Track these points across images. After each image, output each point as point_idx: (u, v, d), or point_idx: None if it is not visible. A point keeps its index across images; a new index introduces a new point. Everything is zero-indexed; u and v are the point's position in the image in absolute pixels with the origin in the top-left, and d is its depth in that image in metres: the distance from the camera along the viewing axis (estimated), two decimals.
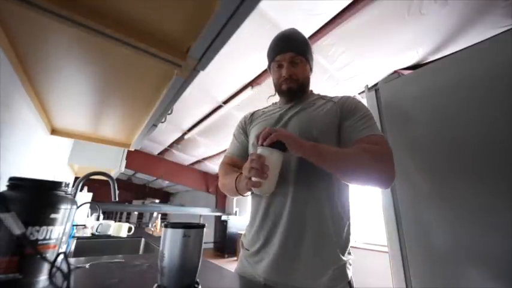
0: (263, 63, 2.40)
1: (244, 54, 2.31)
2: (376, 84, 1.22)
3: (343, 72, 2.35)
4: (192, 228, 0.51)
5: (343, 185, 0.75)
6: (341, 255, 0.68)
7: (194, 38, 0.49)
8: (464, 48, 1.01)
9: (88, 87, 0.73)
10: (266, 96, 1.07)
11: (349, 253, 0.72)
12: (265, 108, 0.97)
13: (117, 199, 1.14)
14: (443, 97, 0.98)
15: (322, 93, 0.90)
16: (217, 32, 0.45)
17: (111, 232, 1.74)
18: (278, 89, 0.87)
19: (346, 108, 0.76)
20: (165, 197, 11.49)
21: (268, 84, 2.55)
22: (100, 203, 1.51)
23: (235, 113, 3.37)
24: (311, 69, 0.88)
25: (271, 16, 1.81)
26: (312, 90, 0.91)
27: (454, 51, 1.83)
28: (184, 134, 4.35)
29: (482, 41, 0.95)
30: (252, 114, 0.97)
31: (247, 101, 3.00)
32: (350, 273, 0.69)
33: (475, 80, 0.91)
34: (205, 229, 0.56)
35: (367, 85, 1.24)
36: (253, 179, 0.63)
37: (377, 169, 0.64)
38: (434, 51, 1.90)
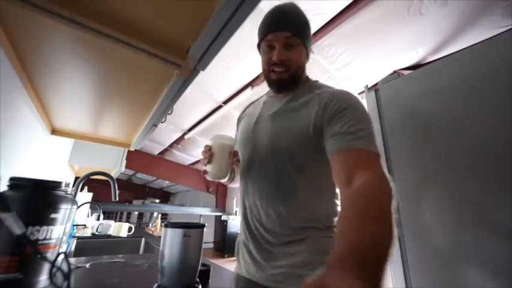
0: None
1: (244, 54, 2.31)
2: (376, 84, 1.22)
3: (343, 72, 2.35)
4: (192, 228, 0.51)
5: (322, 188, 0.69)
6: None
7: (194, 38, 0.49)
8: (464, 48, 1.01)
9: (88, 87, 0.74)
10: None
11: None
12: (257, 99, 0.91)
13: (117, 199, 1.14)
14: (443, 97, 0.98)
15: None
16: (218, 32, 0.45)
17: (111, 232, 1.74)
18: (266, 77, 0.76)
19: (331, 109, 0.63)
20: (165, 196, 11.49)
21: None
22: (100, 203, 1.51)
23: (235, 113, 3.37)
24: (307, 57, 0.76)
25: None
26: (307, 77, 0.80)
27: (454, 51, 1.83)
28: (185, 134, 4.35)
29: (482, 41, 0.95)
30: (244, 109, 0.94)
31: (247, 101, 3.00)
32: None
33: (475, 80, 0.91)
34: (205, 229, 0.56)
35: (366, 85, 1.24)
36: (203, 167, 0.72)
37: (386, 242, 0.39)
38: (434, 51, 1.90)
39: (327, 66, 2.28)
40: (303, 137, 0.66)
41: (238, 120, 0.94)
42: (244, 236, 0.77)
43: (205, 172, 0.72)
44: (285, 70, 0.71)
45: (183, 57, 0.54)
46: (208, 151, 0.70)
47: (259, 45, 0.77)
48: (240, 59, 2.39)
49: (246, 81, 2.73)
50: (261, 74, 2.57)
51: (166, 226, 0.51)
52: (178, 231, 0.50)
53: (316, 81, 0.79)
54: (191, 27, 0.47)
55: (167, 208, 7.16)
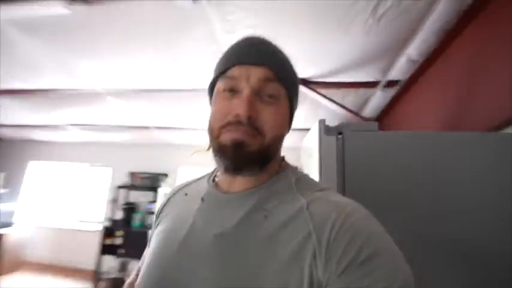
0: None
1: None
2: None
3: None
4: None
5: None
6: None
7: None
8: None
9: None
10: None
11: None
12: (199, 179, 0.50)
13: None
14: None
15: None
16: None
17: None
18: (215, 140, 0.39)
19: (343, 254, 0.30)
20: None
21: None
22: None
23: None
24: (291, 120, 0.46)
25: None
26: (283, 158, 0.46)
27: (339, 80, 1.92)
28: None
29: None
30: (174, 193, 0.51)
31: None
32: None
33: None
34: None
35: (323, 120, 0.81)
36: None
37: None
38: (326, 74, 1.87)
39: (219, 33, 1.58)
40: None
41: (157, 217, 0.49)
42: None
43: None
44: (254, 135, 0.37)
45: None
46: None
47: (211, 90, 0.44)
48: None
49: None
50: None
51: None
52: None
53: (295, 168, 0.45)
54: None
55: None
